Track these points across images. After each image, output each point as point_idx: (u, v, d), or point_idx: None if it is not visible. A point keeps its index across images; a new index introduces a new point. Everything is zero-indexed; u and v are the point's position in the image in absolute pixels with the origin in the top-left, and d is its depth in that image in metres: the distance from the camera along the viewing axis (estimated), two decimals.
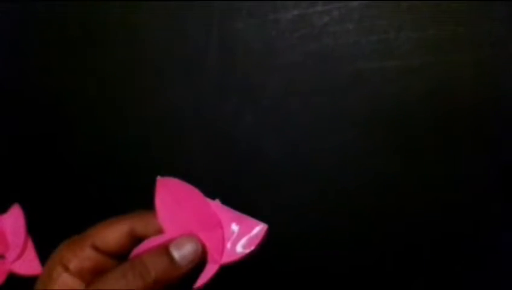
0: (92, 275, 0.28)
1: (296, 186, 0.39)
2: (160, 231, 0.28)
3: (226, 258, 0.27)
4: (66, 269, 0.27)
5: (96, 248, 0.28)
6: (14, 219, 0.42)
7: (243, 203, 0.40)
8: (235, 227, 0.27)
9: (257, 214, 0.40)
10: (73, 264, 0.28)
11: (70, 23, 0.44)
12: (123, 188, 0.42)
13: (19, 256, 0.41)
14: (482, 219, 0.37)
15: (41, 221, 0.40)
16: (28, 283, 0.29)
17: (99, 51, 0.43)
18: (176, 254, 0.26)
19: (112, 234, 0.28)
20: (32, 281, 0.29)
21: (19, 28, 0.45)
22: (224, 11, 0.40)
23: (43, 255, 0.39)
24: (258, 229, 0.27)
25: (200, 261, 0.27)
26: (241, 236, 0.27)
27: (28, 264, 0.41)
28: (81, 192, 0.43)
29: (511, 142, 0.36)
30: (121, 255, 0.28)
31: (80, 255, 0.28)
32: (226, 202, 0.37)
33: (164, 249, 0.27)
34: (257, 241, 0.27)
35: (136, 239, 0.28)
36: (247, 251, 0.27)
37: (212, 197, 0.28)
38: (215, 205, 0.28)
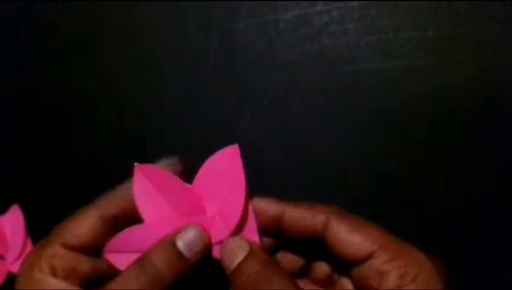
0: (66, 274, 0.26)
1: (295, 186, 0.39)
2: (127, 207, 0.26)
3: (215, 239, 0.26)
4: (42, 271, 0.26)
5: (66, 246, 0.26)
6: (14, 219, 0.42)
7: None
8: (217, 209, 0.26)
9: None
10: (44, 265, 0.26)
11: (70, 23, 0.44)
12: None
13: (19, 256, 0.41)
14: (482, 218, 0.37)
15: (41, 221, 0.40)
16: None
17: (98, 51, 0.43)
18: (183, 246, 0.25)
19: (81, 226, 0.27)
20: None
21: (19, 28, 0.45)
22: (224, 11, 0.40)
23: None
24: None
25: (207, 251, 0.25)
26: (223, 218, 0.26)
27: None
28: (81, 193, 0.43)
29: (511, 142, 0.36)
30: (97, 245, 0.27)
31: (46, 254, 0.26)
32: None
33: (170, 243, 0.25)
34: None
35: (109, 222, 0.27)
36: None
37: None
38: (195, 188, 0.26)
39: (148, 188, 0.26)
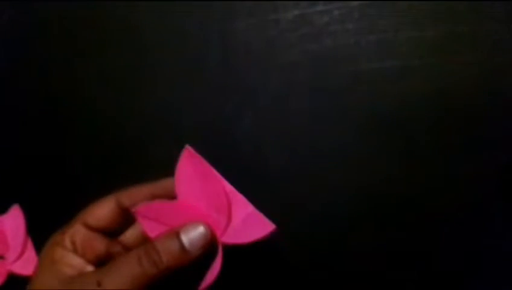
0: (84, 248, 0.30)
1: (295, 187, 0.39)
2: (143, 200, 0.30)
3: (226, 239, 0.28)
4: (64, 247, 0.29)
5: (86, 225, 0.30)
6: (14, 220, 0.42)
7: None
8: (243, 216, 0.28)
9: None
10: (67, 241, 0.29)
11: (70, 23, 0.44)
12: (123, 188, 0.42)
13: (19, 256, 0.41)
14: (482, 218, 0.36)
15: (41, 221, 0.40)
16: (28, 283, 0.29)
17: (98, 51, 0.43)
18: (186, 240, 0.27)
19: (101, 210, 0.30)
20: None
21: (19, 29, 0.45)
22: (224, 11, 0.40)
23: None
24: (265, 225, 0.28)
25: (209, 247, 0.28)
26: (246, 225, 0.28)
27: (28, 264, 0.41)
28: (81, 192, 0.43)
29: (511, 143, 0.36)
30: (113, 229, 0.31)
31: (69, 231, 0.30)
32: None
33: (174, 235, 0.27)
34: (259, 235, 0.27)
35: (124, 211, 0.30)
36: (247, 240, 0.27)
37: None
38: (231, 191, 0.28)
39: (190, 172, 0.28)
